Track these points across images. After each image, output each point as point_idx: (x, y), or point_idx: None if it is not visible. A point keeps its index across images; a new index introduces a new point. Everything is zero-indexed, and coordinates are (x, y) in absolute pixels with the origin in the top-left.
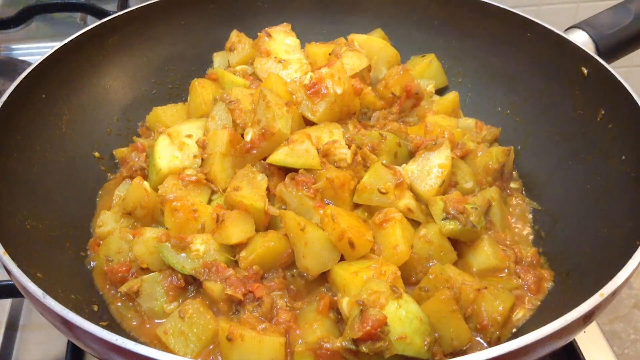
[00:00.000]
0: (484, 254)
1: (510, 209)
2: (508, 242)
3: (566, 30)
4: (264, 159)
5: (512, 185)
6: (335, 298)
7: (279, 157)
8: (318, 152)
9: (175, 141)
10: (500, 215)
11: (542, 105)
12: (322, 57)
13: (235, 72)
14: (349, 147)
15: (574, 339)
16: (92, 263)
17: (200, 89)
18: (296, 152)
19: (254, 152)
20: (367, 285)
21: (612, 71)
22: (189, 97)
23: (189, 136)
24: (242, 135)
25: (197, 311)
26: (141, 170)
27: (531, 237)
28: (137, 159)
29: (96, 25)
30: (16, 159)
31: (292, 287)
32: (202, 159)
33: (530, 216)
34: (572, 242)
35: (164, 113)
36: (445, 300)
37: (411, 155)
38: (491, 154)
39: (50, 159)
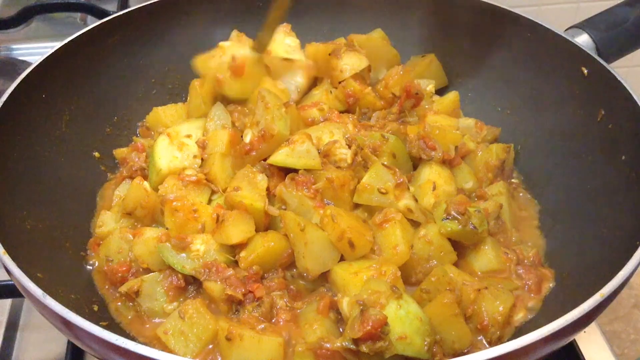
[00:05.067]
0: (486, 257)
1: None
2: (513, 239)
3: (566, 30)
4: (264, 159)
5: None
6: (336, 298)
7: (280, 157)
8: (318, 153)
9: (175, 141)
10: (509, 211)
11: (542, 105)
12: (322, 57)
13: None
14: (349, 148)
15: (574, 339)
16: (92, 263)
17: (200, 89)
18: (297, 152)
19: (253, 153)
20: (367, 285)
21: (612, 71)
22: (188, 97)
23: (189, 136)
24: (242, 136)
25: (197, 311)
26: (141, 170)
27: (531, 237)
28: (137, 159)
29: (96, 25)
30: (16, 159)
31: (292, 287)
32: (202, 159)
33: (532, 215)
34: (572, 242)
35: (164, 113)
36: (447, 304)
37: (412, 158)
38: (491, 150)
39: (50, 159)
